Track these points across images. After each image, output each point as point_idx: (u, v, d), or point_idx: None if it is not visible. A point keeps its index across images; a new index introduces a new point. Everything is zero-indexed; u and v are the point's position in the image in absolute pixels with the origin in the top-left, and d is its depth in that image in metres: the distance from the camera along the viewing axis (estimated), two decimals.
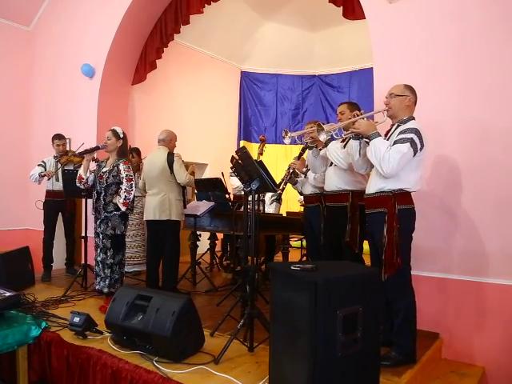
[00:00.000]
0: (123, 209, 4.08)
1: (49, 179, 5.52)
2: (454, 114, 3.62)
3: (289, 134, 3.74)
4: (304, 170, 4.33)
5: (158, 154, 4.62)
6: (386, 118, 3.11)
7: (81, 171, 4.33)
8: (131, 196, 4.10)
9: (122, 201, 4.05)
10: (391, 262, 2.90)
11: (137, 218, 5.84)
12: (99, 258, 4.14)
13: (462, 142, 3.58)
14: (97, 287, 4.21)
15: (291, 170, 4.56)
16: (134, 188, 4.14)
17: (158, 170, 4.54)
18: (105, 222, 4.10)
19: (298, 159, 4.41)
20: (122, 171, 4.11)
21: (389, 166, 2.85)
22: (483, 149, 3.49)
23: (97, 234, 4.18)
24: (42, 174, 5.48)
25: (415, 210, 3.02)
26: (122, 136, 4.26)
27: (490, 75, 3.47)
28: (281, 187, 4.84)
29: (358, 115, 3.14)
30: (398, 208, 2.92)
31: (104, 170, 4.21)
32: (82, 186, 4.38)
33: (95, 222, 4.20)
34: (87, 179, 4.30)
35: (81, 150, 5.69)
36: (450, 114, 3.64)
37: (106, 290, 4.10)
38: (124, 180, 4.09)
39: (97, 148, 4.34)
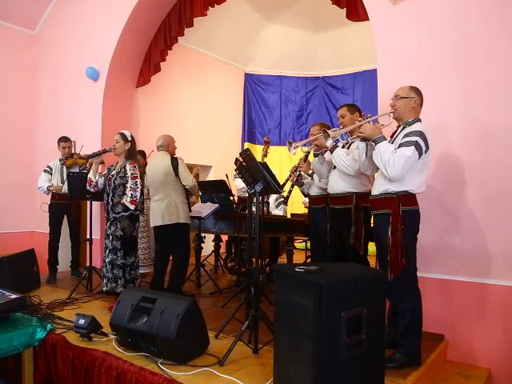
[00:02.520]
0: (132, 207, 4.12)
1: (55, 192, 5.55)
2: (457, 114, 3.62)
3: (293, 145, 3.72)
4: (310, 171, 4.33)
5: (161, 159, 4.62)
6: (391, 120, 3.11)
7: (90, 174, 4.40)
8: (137, 193, 4.13)
9: (128, 199, 4.10)
10: (396, 262, 2.91)
11: (142, 220, 5.84)
12: (107, 260, 4.18)
13: (465, 143, 3.58)
14: (104, 288, 4.23)
15: (298, 173, 4.55)
16: (139, 186, 4.16)
17: (162, 175, 4.54)
18: (114, 224, 4.17)
19: (305, 161, 4.40)
20: (128, 170, 4.17)
21: (394, 169, 2.86)
22: (486, 148, 3.50)
23: (107, 236, 4.23)
24: (51, 188, 5.52)
25: (420, 212, 3.03)
26: (129, 139, 4.32)
27: (492, 76, 3.47)
28: (288, 189, 4.85)
29: (364, 118, 3.14)
30: (403, 209, 2.93)
31: (113, 172, 4.28)
32: (92, 190, 4.46)
33: (106, 224, 4.28)
34: (97, 182, 4.38)
35: (82, 152, 5.74)
36: (453, 114, 3.64)
37: (118, 290, 4.10)
38: (129, 179, 4.14)
39: (104, 151, 4.41)
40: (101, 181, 4.38)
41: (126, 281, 4.15)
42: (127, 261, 4.17)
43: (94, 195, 4.81)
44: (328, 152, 3.79)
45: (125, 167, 4.20)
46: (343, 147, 3.79)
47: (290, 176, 4.74)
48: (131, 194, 4.09)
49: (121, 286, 4.12)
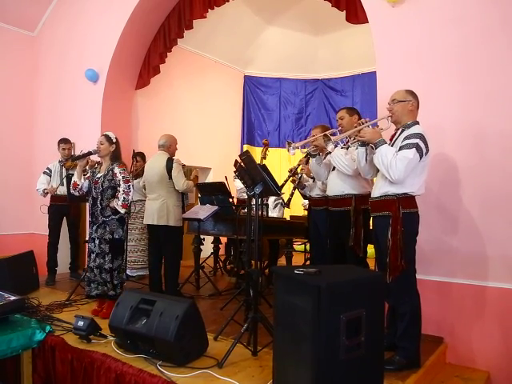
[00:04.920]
0: (122, 211, 4.03)
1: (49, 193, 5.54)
2: (455, 117, 3.64)
3: (292, 145, 3.72)
4: (312, 174, 4.33)
5: (158, 159, 4.63)
6: (390, 124, 3.13)
7: (75, 178, 4.26)
8: (130, 197, 4.05)
9: (120, 203, 3.99)
10: (395, 264, 2.92)
11: (140, 222, 5.85)
12: (95, 264, 4.04)
13: (463, 145, 3.60)
14: (95, 292, 4.08)
15: (299, 175, 4.55)
16: (131, 189, 4.08)
17: (157, 176, 4.55)
18: (102, 227, 4.04)
19: (306, 164, 4.41)
20: (118, 174, 4.07)
21: (396, 172, 2.87)
22: (483, 152, 3.51)
23: (92, 239, 4.10)
24: (46, 191, 5.52)
25: (419, 214, 3.04)
26: (114, 141, 4.20)
27: (491, 79, 3.49)
28: (290, 192, 4.86)
29: (362, 123, 3.15)
30: (403, 212, 2.94)
31: (99, 175, 4.16)
32: (77, 193, 4.30)
33: (91, 228, 4.13)
34: (81, 186, 4.24)
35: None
36: (451, 117, 3.66)
37: (112, 293, 4.02)
38: (121, 182, 4.04)
39: (89, 153, 4.28)
40: (85, 184, 4.24)
41: (115, 285, 4.03)
42: (114, 264, 4.04)
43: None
44: (328, 155, 3.79)
45: (113, 170, 4.09)
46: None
47: (289, 177, 4.74)
48: (124, 198, 3.99)
49: (111, 289, 4.02)
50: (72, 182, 4.31)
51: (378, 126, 3.17)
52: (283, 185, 4.68)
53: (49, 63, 7.35)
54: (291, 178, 4.73)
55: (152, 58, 6.64)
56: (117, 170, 4.09)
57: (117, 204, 4.01)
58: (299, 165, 4.52)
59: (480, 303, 3.49)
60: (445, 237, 3.66)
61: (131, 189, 4.08)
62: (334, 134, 3.54)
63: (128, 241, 5.69)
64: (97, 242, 4.06)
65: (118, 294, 4.01)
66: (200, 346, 3.09)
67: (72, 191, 4.36)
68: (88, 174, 4.32)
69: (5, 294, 3.43)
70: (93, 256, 4.08)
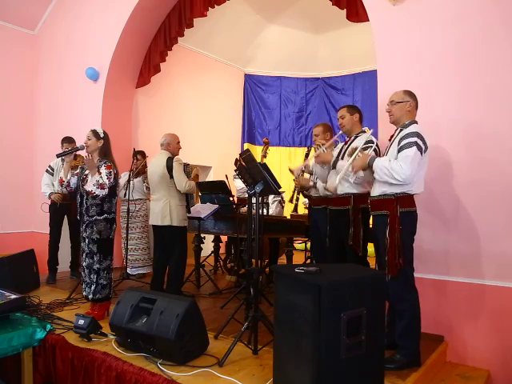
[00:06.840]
0: (97, 191, 3.79)
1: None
2: (455, 115, 3.64)
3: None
4: (311, 183, 4.35)
5: (158, 159, 4.62)
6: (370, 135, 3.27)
7: (61, 174, 4.13)
8: (104, 191, 3.80)
9: (92, 188, 3.73)
10: (393, 262, 2.94)
11: (141, 221, 5.86)
12: (85, 264, 3.93)
13: (463, 144, 3.60)
14: (84, 293, 3.98)
15: (297, 188, 4.66)
16: (115, 181, 3.87)
17: (158, 176, 4.54)
18: (90, 227, 3.89)
19: (302, 175, 4.48)
20: (104, 173, 3.83)
21: (401, 171, 2.88)
22: (483, 150, 3.51)
23: (83, 239, 3.96)
24: (52, 196, 5.44)
25: (417, 213, 3.05)
26: (102, 136, 3.98)
27: (491, 78, 3.49)
28: (295, 197, 4.93)
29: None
30: (400, 211, 2.96)
31: (87, 172, 3.99)
32: (65, 190, 4.17)
33: (81, 227, 4.00)
34: (68, 182, 4.03)
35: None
36: (451, 115, 3.65)
37: (91, 297, 3.88)
38: (104, 175, 3.81)
39: (76, 149, 4.16)
40: (73, 180, 4.05)
41: (102, 286, 3.88)
42: (102, 265, 3.89)
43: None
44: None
45: (99, 169, 3.88)
46: (338, 155, 3.77)
47: (295, 188, 4.90)
48: (97, 187, 3.76)
49: (92, 292, 3.87)
50: (59, 177, 4.17)
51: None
52: (293, 196, 5.02)
53: (49, 62, 7.35)
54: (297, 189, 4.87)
55: (152, 57, 6.64)
56: (103, 170, 3.87)
57: (91, 182, 3.80)
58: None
59: (479, 301, 3.49)
60: (442, 235, 3.66)
61: (113, 180, 3.86)
62: (337, 139, 3.66)
63: (129, 239, 5.70)
64: (86, 241, 3.93)
65: (105, 296, 3.91)
66: (200, 345, 3.09)
67: (59, 187, 4.22)
68: (77, 171, 4.12)
69: (5, 293, 3.43)
70: (83, 256, 3.96)
